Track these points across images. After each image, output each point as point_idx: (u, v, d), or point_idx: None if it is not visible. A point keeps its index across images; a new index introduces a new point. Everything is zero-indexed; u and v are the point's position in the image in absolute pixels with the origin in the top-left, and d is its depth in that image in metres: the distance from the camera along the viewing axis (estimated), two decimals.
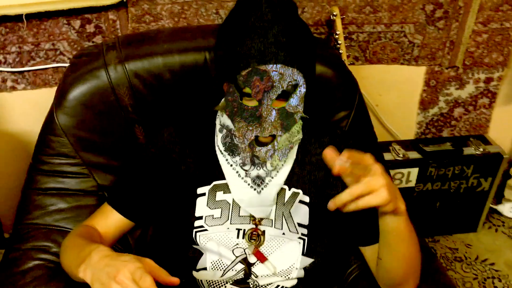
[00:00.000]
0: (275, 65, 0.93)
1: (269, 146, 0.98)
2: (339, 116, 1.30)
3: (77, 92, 1.19)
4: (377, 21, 1.49)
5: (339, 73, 1.29)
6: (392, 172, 1.60)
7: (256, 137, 0.98)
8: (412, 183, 1.64)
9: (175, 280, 0.80)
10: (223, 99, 1.04)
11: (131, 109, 1.22)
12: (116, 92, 1.20)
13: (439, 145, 1.65)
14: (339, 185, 1.08)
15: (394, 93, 1.67)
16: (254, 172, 1.03)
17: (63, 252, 1.01)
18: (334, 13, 1.39)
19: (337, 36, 1.39)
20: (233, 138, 1.04)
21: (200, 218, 1.05)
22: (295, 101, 0.98)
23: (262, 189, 1.03)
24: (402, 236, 0.93)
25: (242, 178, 1.03)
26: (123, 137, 1.25)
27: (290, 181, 1.06)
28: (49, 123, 1.22)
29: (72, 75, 1.21)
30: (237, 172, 1.04)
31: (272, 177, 1.04)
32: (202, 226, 1.04)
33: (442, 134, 1.80)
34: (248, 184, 1.03)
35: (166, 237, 1.17)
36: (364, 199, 0.81)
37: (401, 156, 1.60)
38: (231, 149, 1.04)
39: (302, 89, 0.98)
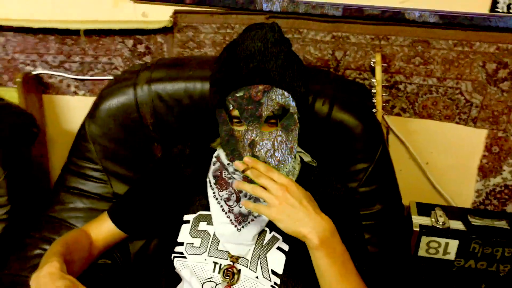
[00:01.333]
0: (264, 86, 0.94)
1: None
2: (356, 167, 1.23)
3: (106, 105, 1.29)
4: (428, 74, 1.38)
5: (363, 123, 1.21)
6: (426, 239, 1.44)
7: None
8: (451, 256, 1.46)
9: None
10: (219, 138, 1.05)
11: (151, 127, 1.30)
12: (139, 110, 1.28)
13: (492, 220, 1.45)
14: None
15: (448, 153, 1.51)
16: (236, 209, 1.02)
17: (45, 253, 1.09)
18: (373, 60, 1.31)
19: (374, 84, 1.31)
20: (223, 173, 1.05)
21: (181, 244, 1.06)
22: (287, 130, 0.97)
23: (243, 227, 1.01)
24: (326, 278, 0.92)
25: (226, 213, 1.03)
26: (142, 152, 1.32)
27: (272, 224, 1.02)
28: (81, 130, 1.33)
29: (107, 89, 1.32)
30: (221, 206, 1.04)
31: (255, 217, 1.02)
32: (181, 253, 1.05)
33: (506, 209, 1.58)
34: (230, 220, 1.02)
35: (155, 255, 1.21)
36: (258, 204, 0.93)
37: (440, 223, 1.43)
38: (220, 183, 1.05)
39: (294, 116, 0.97)
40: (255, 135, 0.96)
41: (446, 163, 1.53)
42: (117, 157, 1.33)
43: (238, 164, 0.94)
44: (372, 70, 1.35)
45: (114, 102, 1.29)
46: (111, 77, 1.53)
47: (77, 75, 1.56)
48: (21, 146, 1.40)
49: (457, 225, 1.45)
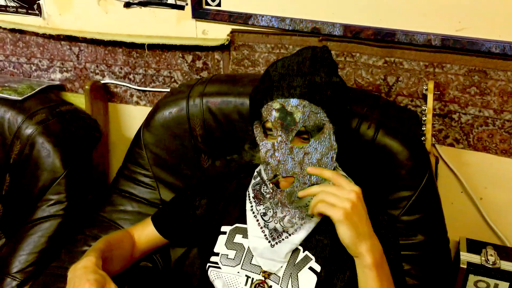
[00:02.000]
0: (299, 100, 0.95)
1: (287, 191, 0.98)
2: (399, 195, 1.20)
3: (161, 115, 1.37)
4: (484, 105, 1.32)
5: (409, 149, 1.19)
6: (473, 278, 1.37)
7: (278, 182, 0.99)
8: None
9: None
10: (258, 154, 1.07)
11: (200, 139, 1.35)
12: (190, 122, 1.34)
13: None
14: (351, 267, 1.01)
15: (504, 190, 1.43)
16: (272, 224, 1.04)
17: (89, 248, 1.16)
18: (426, 88, 1.29)
19: (425, 112, 1.28)
20: (262, 187, 1.07)
21: (217, 254, 1.09)
22: (320, 147, 0.98)
23: (276, 243, 1.03)
24: None
25: (261, 227, 1.05)
26: (190, 163, 1.38)
27: (306, 243, 1.04)
28: (137, 137, 1.42)
29: (163, 100, 1.41)
30: (257, 220, 1.06)
31: (290, 234, 1.03)
32: (216, 263, 1.08)
33: None
34: (265, 235, 1.04)
35: (192, 264, 1.25)
36: (324, 204, 0.90)
37: (490, 263, 1.35)
38: (258, 197, 1.08)
39: (329, 135, 0.98)
40: (285, 148, 0.97)
41: (502, 200, 1.45)
42: (166, 165, 1.40)
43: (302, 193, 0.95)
44: (424, 97, 1.32)
45: (168, 112, 1.37)
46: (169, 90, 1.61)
47: (139, 86, 1.66)
48: (82, 148, 1.50)
49: (509, 266, 1.37)
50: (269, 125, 0.99)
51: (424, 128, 1.28)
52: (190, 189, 1.22)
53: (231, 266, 1.06)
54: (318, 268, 1.01)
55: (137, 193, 1.41)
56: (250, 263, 1.05)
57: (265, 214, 1.05)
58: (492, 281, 1.37)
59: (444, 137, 1.40)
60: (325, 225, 1.04)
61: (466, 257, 1.40)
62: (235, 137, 1.32)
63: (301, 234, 1.02)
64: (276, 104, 0.96)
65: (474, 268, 1.37)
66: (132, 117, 1.74)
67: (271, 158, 0.99)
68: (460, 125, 1.38)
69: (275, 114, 0.96)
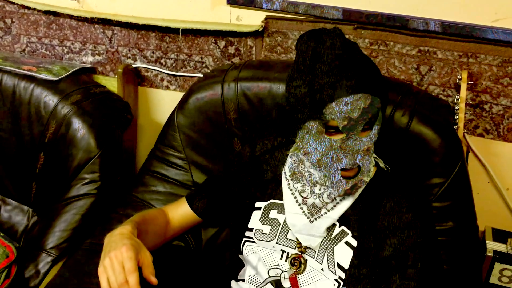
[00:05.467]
0: (363, 95, 0.96)
1: (355, 180, 1.01)
2: (431, 181, 1.23)
3: (195, 98, 1.40)
4: None
5: (442, 137, 1.21)
6: (499, 266, 1.39)
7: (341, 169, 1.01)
8: None
9: (154, 281, 0.92)
10: (295, 145, 1.09)
11: (233, 123, 1.38)
12: (224, 105, 1.37)
13: None
14: (392, 242, 1.04)
15: None
16: (310, 201, 1.07)
17: None
18: (460, 77, 1.30)
19: (457, 101, 1.30)
20: (299, 166, 1.09)
21: (251, 230, 1.13)
22: (378, 133, 1.02)
23: (316, 219, 1.07)
24: None
25: (299, 204, 1.08)
26: (222, 146, 1.41)
27: (342, 219, 1.07)
28: (170, 119, 1.45)
29: (197, 84, 1.43)
30: (295, 197, 1.10)
31: (328, 210, 1.06)
32: (251, 238, 1.12)
33: None
34: (303, 212, 1.08)
35: (223, 243, 1.28)
36: None
37: None
38: (295, 176, 1.10)
39: (380, 117, 1.02)
40: (352, 142, 0.99)
41: None
42: (199, 148, 1.42)
43: None
44: (457, 87, 1.34)
45: (202, 96, 1.40)
46: (201, 75, 1.63)
47: (170, 70, 1.68)
48: (115, 129, 1.53)
49: None
50: (333, 123, 0.98)
51: (457, 118, 1.30)
52: (223, 169, 1.25)
53: (266, 241, 1.10)
54: (354, 243, 1.04)
55: (170, 174, 1.43)
56: (286, 238, 1.09)
57: (303, 191, 1.08)
58: None
59: (474, 127, 1.42)
60: (363, 201, 1.07)
61: (492, 245, 1.42)
62: (267, 122, 1.35)
63: (340, 210, 1.06)
64: (342, 103, 0.95)
65: (501, 257, 1.39)
66: (161, 101, 1.76)
67: (334, 153, 1.00)
68: (491, 116, 1.39)
69: (341, 112, 0.96)
